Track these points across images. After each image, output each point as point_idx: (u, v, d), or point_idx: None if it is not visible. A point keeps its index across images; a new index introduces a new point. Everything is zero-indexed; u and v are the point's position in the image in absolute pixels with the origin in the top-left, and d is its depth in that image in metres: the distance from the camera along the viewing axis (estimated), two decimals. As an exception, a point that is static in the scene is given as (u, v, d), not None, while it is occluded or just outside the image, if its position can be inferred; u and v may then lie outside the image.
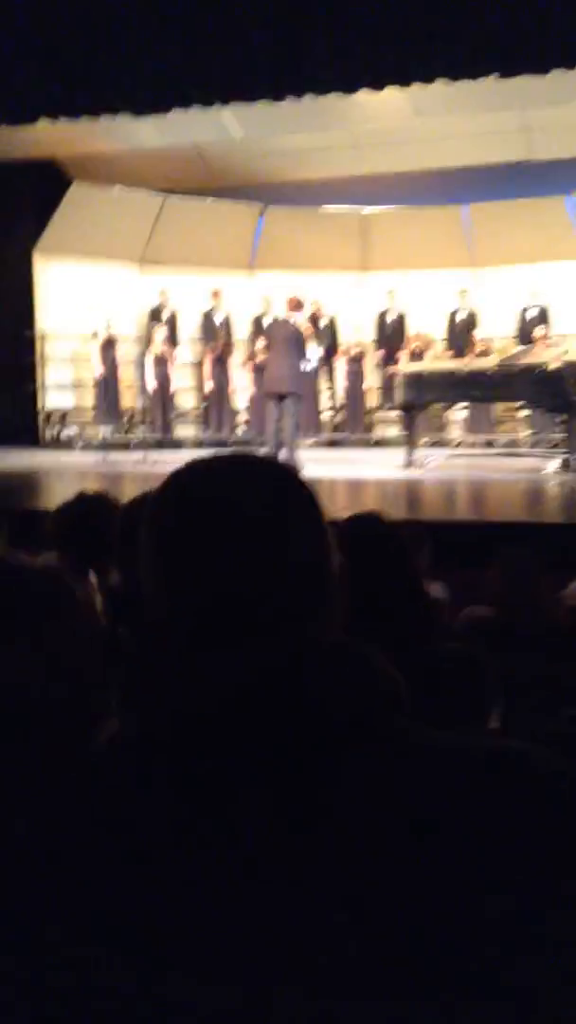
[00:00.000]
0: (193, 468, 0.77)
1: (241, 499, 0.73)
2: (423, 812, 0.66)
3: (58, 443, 11.97)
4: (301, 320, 8.63)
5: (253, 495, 0.73)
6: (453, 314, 12.21)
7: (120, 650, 1.20)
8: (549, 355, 8.76)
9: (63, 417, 12.27)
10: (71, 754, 0.77)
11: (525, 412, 11.59)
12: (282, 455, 8.10)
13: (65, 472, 8.93)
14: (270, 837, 0.66)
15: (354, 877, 0.64)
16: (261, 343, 10.67)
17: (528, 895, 0.63)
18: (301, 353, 8.30)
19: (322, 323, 12.39)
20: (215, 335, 12.17)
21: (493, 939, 0.62)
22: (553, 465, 8.27)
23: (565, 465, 8.08)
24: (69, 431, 12.16)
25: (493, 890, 0.63)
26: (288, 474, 0.78)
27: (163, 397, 11.82)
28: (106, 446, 10.24)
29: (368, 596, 1.61)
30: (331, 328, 12.51)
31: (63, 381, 12.24)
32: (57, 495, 5.11)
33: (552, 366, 8.11)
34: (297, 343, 8.27)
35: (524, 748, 0.72)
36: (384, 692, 0.71)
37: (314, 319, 12.28)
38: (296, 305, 8.44)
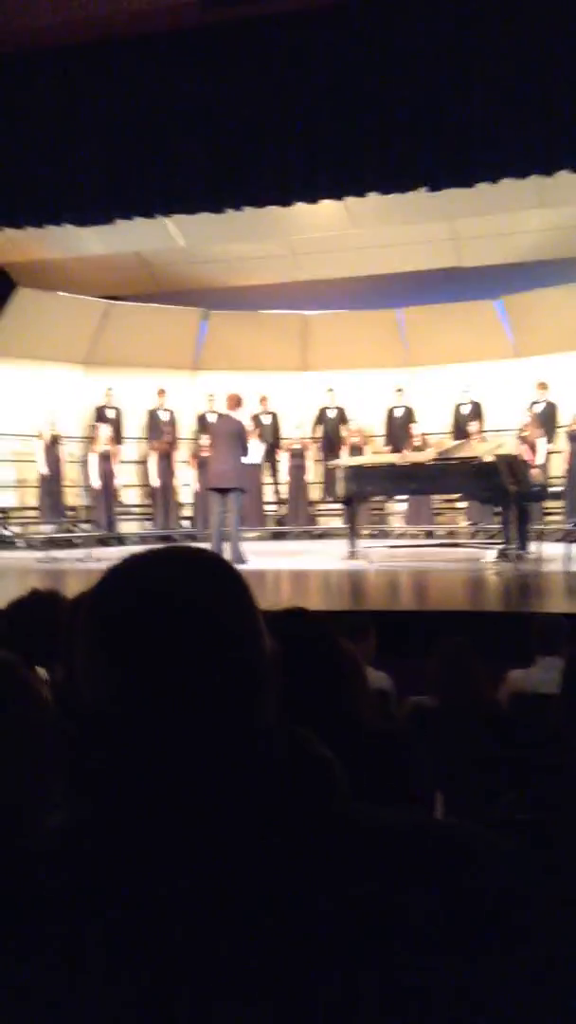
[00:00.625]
0: (130, 561, 0.80)
1: (176, 590, 0.76)
2: (358, 886, 0.68)
3: (1, 542, 11.85)
4: (242, 417, 8.78)
5: (187, 586, 0.76)
6: (391, 410, 12.59)
7: (67, 741, 1.21)
8: (483, 448, 9.05)
9: (5, 516, 12.18)
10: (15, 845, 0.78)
11: (463, 504, 11.88)
12: (227, 548, 8.14)
13: (8, 571, 8.83)
14: (213, 916, 0.68)
15: (290, 949, 0.67)
16: (206, 439, 10.82)
17: (462, 971, 0.66)
18: (243, 449, 8.41)
19: (266, 419, 12.65)
20: (160, 432, 12.32)
21: (423, 1009, 0.65)
22: (490, 555, 8.44)
23: (502, 555, 8.25)
24: (11, 530, 12.06)
25: (426, 964, 0.66)
26: (221, 565, 0.81)
27: (107, 493, 11.86)
28: (50, 544, 10.16)
29: (301, 685, 1.65)
30: (274, 424, 12.78)
31: (6, 480, 12.21)
32: (0, 593, 5.04)
33: (486, 459, 8.37)
34: (239, 439, 8.38)
35: (456, 825, 0.75)
36: (319, 772, 0.74)
37: (257, 417, 12.55)
38: (236, 402, 8.59)
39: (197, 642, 0.74)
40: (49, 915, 0.71)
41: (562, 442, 11.45)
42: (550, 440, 11.46)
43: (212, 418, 9.35)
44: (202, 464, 11.19)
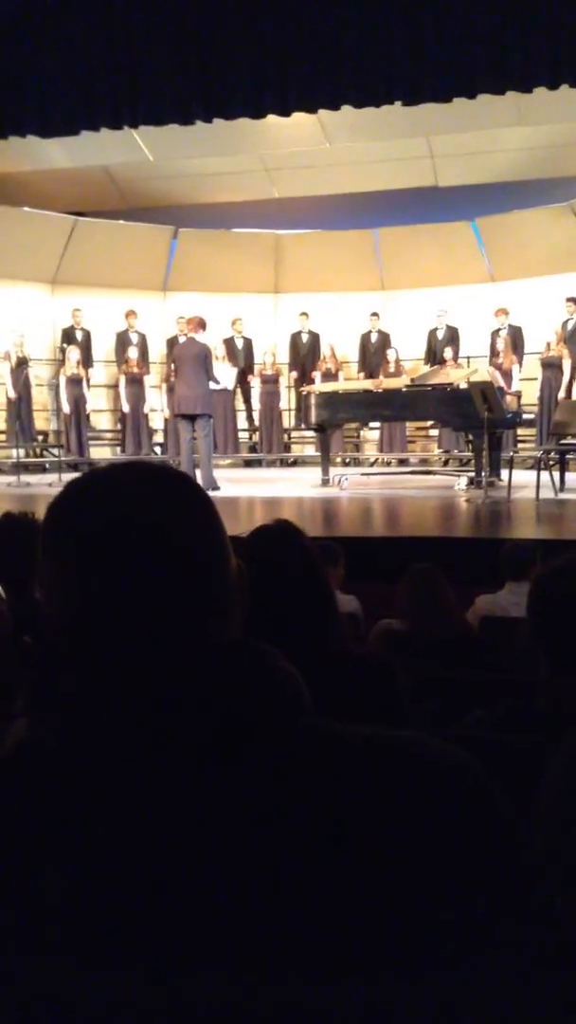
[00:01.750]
0: (91, 475, 0.78)
1: (138, 504, 0.74)
2: (321, 797, 0.68)
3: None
4: (207, 339, 8.63)
5: (149, 500, 0.75)
6: (365, 335, 12.44)
7: (25, 656, 1.21)
8: (457, 375, 9.00)
9: (-26, 440, 12.01)
10: None
11: (436, 431, 11.87)
12: (198, 475, 8.09)
13: (-24, 495, 8.74)
14: (179, 830, 0.68)
15: (260, 865, 0.66)
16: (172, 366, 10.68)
17: (424, 880, 0.66)
18: (208, 373, 8.29)
19: (239, 343, 12.47)
20: (128, 356, 12.12)
21: (387, 918, 0.65)
22: (461, 482, 8.48)
23: (473, 482, 8.28)
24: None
25: (392, 875, 0.66)
26: (184, 480, 0.80)
27: (77, 418, 11.70)
28: (21, 468, 10.05)
29: (274, 600, 1.64)
30: (247, 348, 12.60)
31: (-27, 403, 12.00)
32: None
33: (460, 386, 8.33)
34: (204, 362, 8.25)
35: (419, 737, 0.75)
36: (281, 687, 0.73)
37: (230, 341, 12.36)
38: (199, 324, 8.42)
39: (158, 556, 0.72)
40: (4, 833, 0.70)
41: (535, 368, 11.42)
42: (520, 365, 11.42)
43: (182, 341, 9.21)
44: (171, 389, 11.06)
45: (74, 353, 11.69)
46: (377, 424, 11.67)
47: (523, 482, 7.96)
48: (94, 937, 0.66)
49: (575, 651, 1.57)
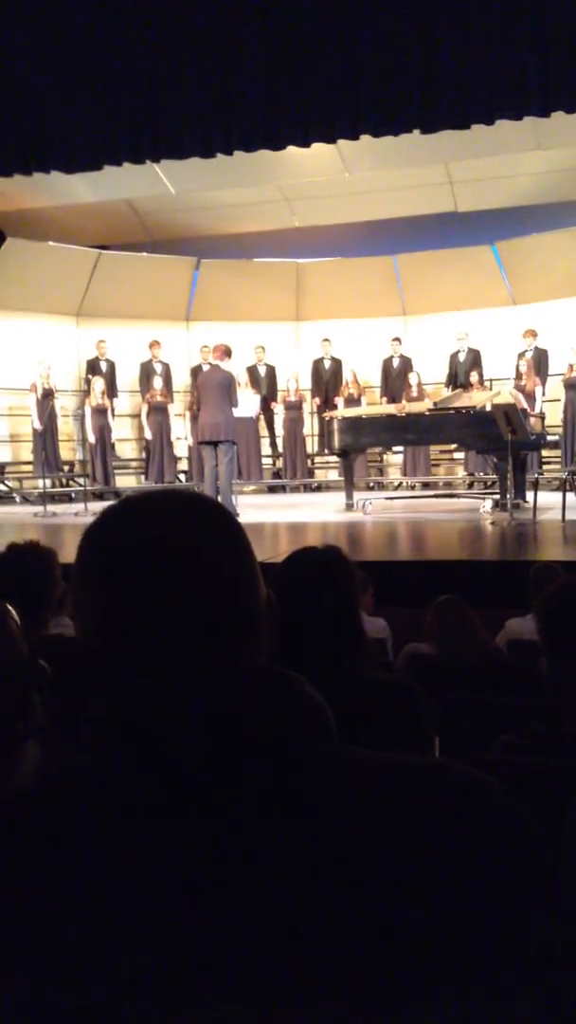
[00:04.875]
0: (125, 501, 0.80)
1: (170, 528, 0.75)
2: (345, 823, 0.68)
3: (-3, 497, 11.85)
4: (231, 367, 8.70)
5: (182, 525, 0.76)
6: (387, 360, 12.48)
7: (40, 681, 1.23)
8: (480, 398, 9.00)
9: (1, 471, 12.15)
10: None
11: (460, 454, 11.85)
12: (219, 501, 8.11)
13: (4, 524, 8.83)
14: (204, 857, 0.68)
15: (284, 891, 0.66)
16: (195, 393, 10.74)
17: (449, 906, 0.66)
18: (232, 400, 8.35)
19: (262, 370, 12.56)
20: (152, 386, 12.23)
21: (414, 946, 0.65)
22: (486, 505, 8.44)
23: (498, 505, 8.25)
24: (7, 484, 12.04)
25: (417, 900, 0.66)
26: (216, 508, 0.81)
27: (103, 447, 11.81)
28: (46, 498, 10.14)
29: (306, 624, 1.65)
30: (270, 376, 12.69)
31: (0, 435, 12.16)
32: (-4, 548, 5.05)
33: (483, 408, 8.32)
34: (228, 390, 8.31)
35: (444, 762, 0.75)
36: (306, 714, 0.74)
37: (253, 368, 12.45)
38: (225, 352, 8.50)
39: (189, 580, 0.73)
40: (30, 867, 0.71)
41: (559, 390, 11.39)
42: (544, 387, 11.39)
43: (206, 369, 9.29)
44: (195, 417, 11.15)
45: (99, 384, 11.82)
46: (400, 448, 11.67)
47: (549, 504, 7.92)
48: (121, 971, 0.66)
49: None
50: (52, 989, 0.66)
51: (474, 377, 11.30)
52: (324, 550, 1.84)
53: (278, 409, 12.55)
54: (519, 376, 11.41)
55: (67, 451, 12.37)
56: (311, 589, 1.70)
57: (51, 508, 9.81)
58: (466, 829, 0.69)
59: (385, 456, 12.83)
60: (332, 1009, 0.64)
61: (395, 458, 12.64)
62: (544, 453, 11.03)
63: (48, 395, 11.47)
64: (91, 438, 11.70)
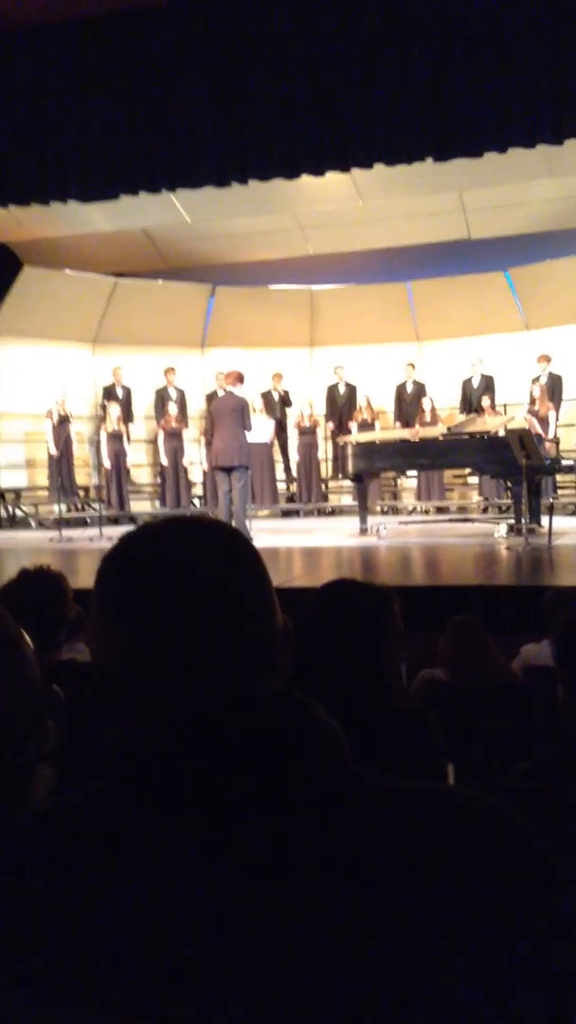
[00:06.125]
0: (143, 529, 0.81)
1: (188, 558, 0.76)
2: (360, 850, 0.68)
3: (13, 522, 11.90)
4: (244, 393, 8.74)
5: (200, 555, 0.77)
6: (401, 386, 12.52)
7: (54, 706, 1.23)
8: (494, 423, 9.01)
9: (17, 496, 12.23)
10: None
11: (474, 478, 11.84)
12: (233, 525, 8.12)
13: (20, 550, 8.87)
14: (220, 883, 0.68)
15: (301, 916, 0.66)
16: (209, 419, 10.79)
17: (463, 934, 0.66)
18: (246, 425, 8.38)
19: (276, 396, 12.62)
20: (167, 412, 12.31)
21: (431, 971, 0.65)
22: (501, 529, 8.41)
23: (513, 529, 8.22)
24: (23, 510, 12.11)
25: (430, 927, 0.66)
26: (233, 534, 0.82)
27: (118, 473, 11.87)
28: (62, 523, 10.19)
29: (327, 657, 1.65)
30: (283, 402, 12.74)
31: (17, 460, 12.23)
32: (12, 573, 5.07)
33: (497, 433, 8.32)
34: (241, 415, 8.35)
35: (457, 788, 0.75)
36: (322, 740, 0.74)
37: (268, 394, 12.51)
38: (238, 378, 8.55)
39: (206, 604, 0.74)
40: (44, 890, 0.71)
41: (573, 415, 11.37)
42: (558, 412, 11.38)
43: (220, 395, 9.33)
44: (210, 443, 11.20)
45: (115, 409, 11.91)
46: (414, 472, 11.67)
47: (564, 528, 7.89)
48: (143, 996, 0.66)
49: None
50: (63, 1007, 0.67)
51: (486, 402, 11.31)
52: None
53: (292, 434, 12.59)
54: (532, 401, 11.41)
55: (83, 476, 12.44)
56: (342, 627, 1.69)
57: (66, 533, 9.85)
58: (481, 856, 0.69)
59: (399, 481, 12.84)
60: None
61: (409, 483, 12.63)
62: (559, 478, 11.00)
63: (64, 421, 11.56)
64: (107, 464, 11.76)
